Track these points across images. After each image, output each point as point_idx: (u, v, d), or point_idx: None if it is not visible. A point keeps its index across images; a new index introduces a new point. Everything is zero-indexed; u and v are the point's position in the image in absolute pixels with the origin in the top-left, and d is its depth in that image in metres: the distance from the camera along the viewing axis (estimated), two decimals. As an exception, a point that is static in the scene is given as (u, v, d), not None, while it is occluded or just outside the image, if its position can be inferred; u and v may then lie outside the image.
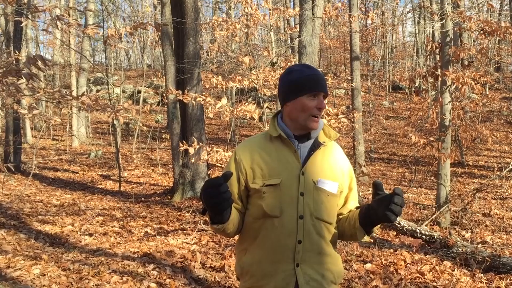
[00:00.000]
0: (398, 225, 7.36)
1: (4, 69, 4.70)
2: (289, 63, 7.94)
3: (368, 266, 5.89)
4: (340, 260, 2.39)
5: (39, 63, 4.51)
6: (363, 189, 11.82)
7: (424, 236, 7.11)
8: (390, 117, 23.73)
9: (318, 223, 2.22)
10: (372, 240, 7.12)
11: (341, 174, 2.33)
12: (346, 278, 5.50)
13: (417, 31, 29.58)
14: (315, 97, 2.22)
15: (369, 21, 23.41)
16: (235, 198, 2.24)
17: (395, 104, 26.80)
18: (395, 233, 7.63)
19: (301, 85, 2.23)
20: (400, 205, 2.04)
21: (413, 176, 13.38)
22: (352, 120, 8.59)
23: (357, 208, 2.36)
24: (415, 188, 12.58)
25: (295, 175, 2.21)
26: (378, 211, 2.06)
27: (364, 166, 6.76)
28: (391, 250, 6.58)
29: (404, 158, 17.21)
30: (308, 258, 2.21)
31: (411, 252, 6.44)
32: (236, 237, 2.40)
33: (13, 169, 11.64)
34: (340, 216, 2.36)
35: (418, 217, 9.03)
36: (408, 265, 6.02)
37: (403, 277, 5.58)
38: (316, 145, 2.28)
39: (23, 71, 4.61)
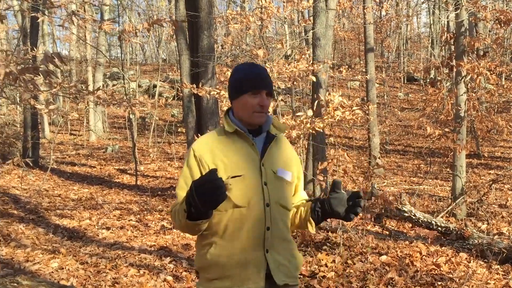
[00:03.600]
0: (414, 217, 7.33)
1: (22, 66, 4.76)
2: (303, 56, 7.91)
3: (384, 258, 5.89)
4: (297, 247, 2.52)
5: (56, 60, 4.56)
6: (378, 181, 11.79)
7: (439, 228, 7.09)
8: (405, 108, 23.58)
9: (282, 210, 2.35)
10: (387, 232, 7.12)
11: (293, 165, 2.46)
12: (362, 270, 5.50)
13: (431, 22, 29.26)
14: (256, 95, 2.31)
15: (383, 12, 23.17)
16: None
17: (410, 95, 26.59)
18: (410, 225, 7.61)
19: (243, 84, 2.34)
20: (361, 207, 2.23)
21: (429, 168, 13.31)
22: (367, 112, 8.56)
23: (307, 201, 2.49)
24: (430, 180, 12.51)
25: (256, 166, 2.31)
26: (337, 209, 2.25)
27: (379, 158, 6.77)
28: (407, 242, 6.57)
29: (420, 150, 17.09)
30: (276, 244, 2.31)
31: (426, 244, 6.43)
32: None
33: (32, 164, 11.77)
34: (292, 205, 2.47)
35: (434, 209, 9.00)
36: (424, 257, 6.01)
37: (418, 269, 5.58)
38: (270, 138, 2.40)
39: (40, 69, 4.67)
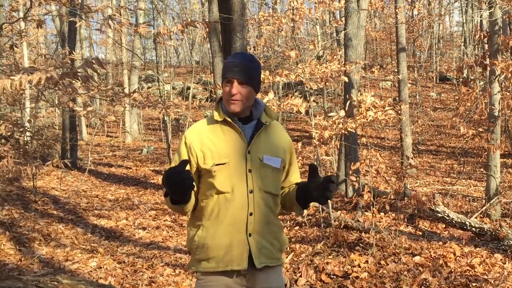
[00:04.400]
0: (447, 218, 7.28)
1: (62, 70, 4.90)
2: (335, 56, 7.93)
3: (417, 259, 5.87)
4: (283, 230, 2.64)
5: (95, 65, 4.69)
6: (411, 181, 11.68)
7: (474, 229, 7.02)
8: (437, 108, 23.23)
9: (266, 196, 2.44)
10: (420, 233, 7.08)
11: (283, 151, 2.55)
12: (395, 271, 5.49)
13: (464, 21, 28.74)
14: (228, 83, 2.41)
15: (415, 12, 22.91)
16: None
17: (442, 95, 26.18)
18: (444, 225, 7.54)
19: (222, 73, 2.49)
20: (332, 191, 2.30)
21: (462, 168, 13.11)
22: (399, 112, 8.52)
23: (296, 184, 2.59)
24: (464, 180, 12.31)
25: (242, 154, 2.42)
26: (313, 193, 2.34)
27: (412, 158, 6.74)
28: (440, 243, 6.52)
29: (453, 150, 16.84)
30: (259, 228, 2.43)
31: (460, 245, 6.36)
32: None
33: (70, 166, 12.03)
34: (282, 190, 2.59)
35: (468, 209, 8.88)
36: (458, 258, 5.96)
37: (452, 270, 5.54)
38: (259, 125, 2.49)
39: (79, 74, 4.81)
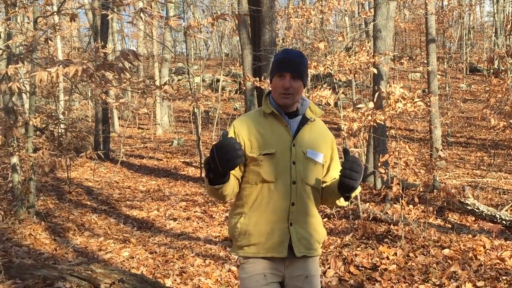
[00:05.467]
0: (477, 210, 7.21)
1: (97, 63, 4.99)
2: (364, 48, 7.90)
3: (446, 251, 5.84)
4: (322, 222, 2.70)
5: (131, 57, 4.78)
6: (440, 174, 11.56)
7: (504, 222, 6.94)
8: (467, 100, 22.86)
9: (308, 188, 2.53)
10: (450, 225, 7.03)
11: (325, 147, 2.63)
12: (424, 263, 5.49)
13: (495, 11, 28.11)
14: (281, 77, 2.49)
15: (445, 2, 22.56)
16: None
17: (472, 86, 25.72)
18: (473, 218, 7.46)
19: (273, 68, 2.55)
20: (350, 169, 2.34)
21: (492, 160, 12.92)
22: (429, 104, 8.45)
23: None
24: (494, 173, 12.14)
25: (287, 146, 2.50)
26: (343, 174, 2.37)
27: (441, 150, 6.68)
28: (470, 236, 6.47)
29: (483, 142, 16.59)
30: (299, 219, 2.51)
31: (490, 238, 6.30)
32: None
33: (103, 157, 12.29)
34: (324, 184, 2.63)
35: (498, 202, 8.76)
36: (488, 251, 5.90)
37: (482, 263, 5.50)
38: (304, 121, 2.58)
39: (114, 65, 4.91)
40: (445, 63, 25.91)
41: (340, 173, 2.39)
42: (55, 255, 6.07)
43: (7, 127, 6.22)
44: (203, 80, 25.71)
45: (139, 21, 6.91)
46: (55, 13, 7.91)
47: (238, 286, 2.73)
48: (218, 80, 24.63)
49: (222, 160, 2.18)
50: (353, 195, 2.54)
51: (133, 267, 5.73)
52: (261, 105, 2.64)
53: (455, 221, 7.37)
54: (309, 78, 22.52)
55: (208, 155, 2.23)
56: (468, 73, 28.29)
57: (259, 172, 2.47)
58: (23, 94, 11.44)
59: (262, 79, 8.20)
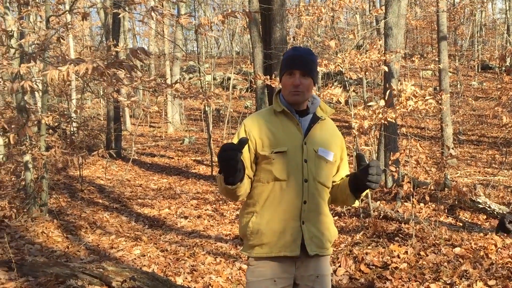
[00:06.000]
0: (488, 209, 7.17)
1: (108, 61, 5.02)
2: (375, 46, 7.88)
3: (457, 250, 5.80)
4: (333, 221, 2.68)
5: (141, 55, 4.81)
6: (452, 172, 11.50)
7: (516, 220, 6.90)
8: (479, 98, 22.72)
9: (319, 187, 2.52)
10: (461, 224, 7.00)
11: (336, 146, 2.62)
12: (435, 262, 5.47)
13: (508, 8, 27.92)
14: (291, 75, 2.50)
15: (457, 0, 22.39)
16: (247, 165, 2.48)
17: (484, 84, 25.55)
18: (485, 216, 7.43)
19: (282, 65, 2.56)
20: (376, 174, 2.34)
21: (504, 158, 12.84)
22: (440, 101, 8.40)
23: (346, 176, 2.63)
24: (506, 171, 12.06)
25: (298, 144, 2.49)
26: (363, 180, 2.37)
27: (453, 148, 6.65)
28: (481, 234, 6.42)
29: (494, 140, 16.49)
30: (311, 217, 2.50)
31: (502, 236, 6.27)
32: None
33: (115, 155, 12.35)
34: (333, 183, 2.64)
35: (510, 200, 8.71)
36: (499, 249, 5.86)
37: (493, 262, 5.46)
38: (315, 119, 2.58)
39: (124, 63, 4.93)
40: (457, 60, 25.75)
41: (366, 178, 2.35)
42: (67, 252, 6.12)
43: (20, 125, 6.29)
44: (214, 79, 25.74)
45: (150, 20, 6.94)
46: (67, 12, 7.98)
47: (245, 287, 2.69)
48: (229, 78, 24.67)
49: (221, 164, 2.19)
50: (363, 194, 2.55)
51: (144, 265, 5.76)
52: (272, 103, 2.64)
53: (466, 219, 7.33)
54: (320, 76, 22.54)
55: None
56: (479, 70, 28.11)
57: (271, 170, 2.46)
58: (35, 92, 11.53)
59: (273, 77, 8.19)
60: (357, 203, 2.59)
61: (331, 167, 2.58)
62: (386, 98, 7.58)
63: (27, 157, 7.45)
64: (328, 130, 2.63)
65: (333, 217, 7.59)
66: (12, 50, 6.56)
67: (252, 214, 2.53)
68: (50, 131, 10.66)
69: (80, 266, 4.95)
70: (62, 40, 7.76)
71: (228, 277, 5.39)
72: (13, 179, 9.58)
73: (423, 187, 8.38)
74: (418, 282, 5.00)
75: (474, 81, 26.12)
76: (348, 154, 2.65)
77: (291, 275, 2.52)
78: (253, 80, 12.57)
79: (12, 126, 6.47)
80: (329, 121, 2.66)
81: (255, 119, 2.57)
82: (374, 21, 18.68)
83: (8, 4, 7.49)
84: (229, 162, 2.17)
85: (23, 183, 7.74)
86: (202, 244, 6.74)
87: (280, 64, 2.60)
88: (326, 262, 2.62)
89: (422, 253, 5.74)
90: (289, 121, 2.53)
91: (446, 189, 8.71)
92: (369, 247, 6.02)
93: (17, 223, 6.96)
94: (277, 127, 2.52)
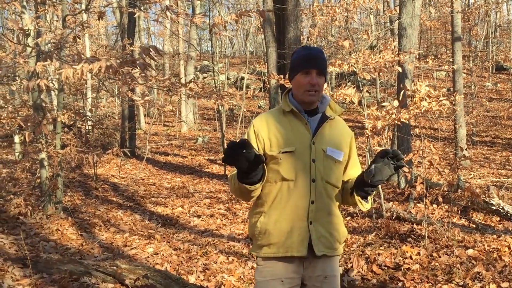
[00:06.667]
0: (502, 210, 7.12)
1: (121, 59, 5.06)
2: (388, 46, 7.86)
3: (470, 252, 5.78)
4: (343, 222, 2.66)
5: (152, 53, 4.85)
6: (465, 173, 11.43)
7: (530, 222, 6.86)
8: (493, 99, 22.51)
9: (328, 187, 2.51)
10: (474, 226, 6.96)
11: (345, 145, 2.61)
12: (447, 263, 5.45)
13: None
14: (307, 74, 2.48)
15: (471, 0, 22.24)
16: None
17: (498, 85, 25.33)
18: (498, 218, 7.37)
19: (296, 65, 2.54)
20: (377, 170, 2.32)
21: (518, 160, 12.74)
22: (453, 102, 8.36)
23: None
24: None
25: (307, 144, 2.49)
26: (365, 177, 2.38)
27: (466, 149, 6.62)
28: (494, 236, 6.39)
29: (508, 141, 16.36)
30: (319, 217, 2.49)
31: (516, 239, 6.24)
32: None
33: (129, 154, 12.43)
34: (342, 184, 2.62)
35: (524, 202, 8.65)
36: (513, 252, 5.84)
37: (507, 264, 5.43)
38: (324, 119, 2.57)
39: (137, 62, 4.97)
40: (471, 61, 25.56)
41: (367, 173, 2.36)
42: (82, 250, 6.18)
43: (36, 123, 6.37)
44: (228, 78, 25.79)
45: (165, 19, 6.98)
46: (83, 11, 8.05)
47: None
48: (242, 78, 24.70)
49: (236, 165, 2.21)
50: (369, 198, 2.52)
51: (157, 263, 5.80)
52: None
53: (479, 221, 7.29)
54: (333, 76, 22.52)
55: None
56: (494, 71, 27.89)
57: (278, 171, 2.46)
58: (51, 91, 11.64)
59: (287, 77, 8.21)
60: (367, 206, 2.55)
61: (340, 167, 2.58)
62: (400, 99, 7.56)
63: (43, 155, 7.54)
64: (338, 129, 2.62)
65: (345, 217, 7.65)
66: (29, 49, 6.64)
67: (260, 214, 2.53)
68: (66, 129, 10.76)
69: (94, 263, 5.01)
70: (78, 39, 7.83)
71: (240, 276, 5.42)
72: (28, 176, 9.70)
73: (436, 188, 8.34)
74: (430, 284, 4.99)
75: (488, 82, 25.91)
76: (360, 155, 2.65)
77: (299, 275, 2.53)
78: (266, 80, 12.59)
79: (28, 124, 6.55)
80: (339, 120, 2.65)
81: (264, 119, 2.58)
82: (388, 21, 18.60)
83: (25, 3, 7.58)
84: (236, 161, 2.18)
85: (39, 180, 7.83)
86: (214, 243, 6.77)
87: (292, 64, 2.58)
88: (335, 263, 2.61)
89: (434, 254, 5.72)
90: (297, 120, 2.53)
91: (459, 190, 8.66)
92: (381, 248, 6.01)
93: (32, 220, 7.04)
94: (285, 127, 2.52)
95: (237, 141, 2.14)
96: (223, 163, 2.38)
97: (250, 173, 2.26)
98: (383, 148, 2.45)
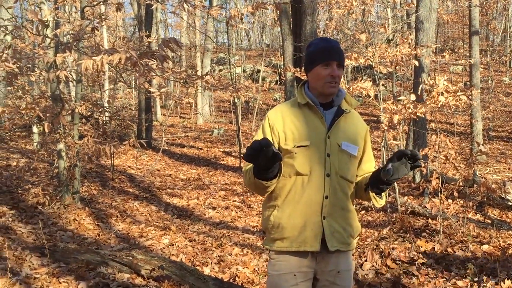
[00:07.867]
0: (518, 207, 7.08)
1: (140, 51, 5.09)
2: (405, 40, 7.81)
3: (485, 247, 5.76)
4: (357, 217, 2.63)
5: (172, 45, 4.87)
6: (481, 168, 11.34)
7: (546, 219, 6.80)
8: (510, 93, 22.23)
9: (342, 181, 2.47)
10: (489, 221, 6.93)
11: (360, 139, 2.57)
12: (462, 259, 5.45)
13: (541, 3, 27.25)
14: (328, 66, 2.44)
15: (489, -6, 21.97)
16: None
17: (515, 80, 25.06)
18: (514, 214, 7.35)
19: (315, 56, 2.48)
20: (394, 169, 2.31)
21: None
22: (470, 97, 8.30)
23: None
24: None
25: (322, 138, 2.45)
26: (380, 174, 2.36)
27: (482, 144, 6.57)
28: (510, 232, 6.35)
29: (525, 137, 16.18)
30: (333, 212, 2.45)
31: (533, 235, 6.20)
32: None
33: (145, 145, 12.53)
34: (357, 178, 2.60)
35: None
36: (529, 248, 5.81)
37: (522, 260, 5.42)
38: (340, 112, 2.52)
39: (156, 53, 5.00)
40: (488, 56, 25.29)
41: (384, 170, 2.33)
42: (98, 240, 6.26)
43: (54, 114, 6.44)
44: (244, 71, 25.81)
45: (182, 11, 7.00)
46: (101, 3, 8.10)
47: (266, 281, 2.72)
48: (258, 71, 24.71)
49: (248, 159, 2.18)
50: (383, 194, 2.50)
51: (172, 254, 5.86)
52: None
53: (495, 216, 7.25)
54: (349, 70, 22.40)
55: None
56: (511, 66, 27.56)
57: (293, 165, 2.43)
58: (69, 82, 11.75)
59: (303, 69, 8.21)
60: (382, 202, 2.53)
61: (355, 161, 2.54)
62: (417, 93, 7.53)
63: (61, 146, 7.63)
64: (353, 123, 2.58)
65: (360, 211, 7.64)
66: (48, 40, 6.70)
67: (273, 208, 2.52)
68: (83, 120, 10.86)
69: (110, 253, 5.08)
70: (96, 31, 7.89)
71: (254, 269, 5.45)
72: (46, 166, 9.82)
73: (452, 183, 8.28)
74: (444, 279, 4.98)
75: (506, 76, 25.61)
76: (375, 149, 2.65)
77: (312, 270, 2.52)
78: (282, 73, 12.58)
79: (47, 114, 6.63)
80: (354, 114, 2.61)
81: (279, 112, 2.54)
82: (405, 14, 18.45)
83: (44, -5, 7.65)
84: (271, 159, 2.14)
85: (56, 170, 7.93)
86: (229, 235, 6.81)
87: (310, 56, 2.52)
88: (348, 258, 2.59)
89: (449, 249, 5.71)
90: (312, 114, 2.49)
91: (475, 185, 8.62)
92: (395, 242, 6.01)
93: (50, 210, 7.15)
94: (300, 120, 2.48)
95: (260, 140, 2.11)
96: (242, 158, 2.36)
97: (267, 170, 2.24)
98: (401, 149, 2.41)
